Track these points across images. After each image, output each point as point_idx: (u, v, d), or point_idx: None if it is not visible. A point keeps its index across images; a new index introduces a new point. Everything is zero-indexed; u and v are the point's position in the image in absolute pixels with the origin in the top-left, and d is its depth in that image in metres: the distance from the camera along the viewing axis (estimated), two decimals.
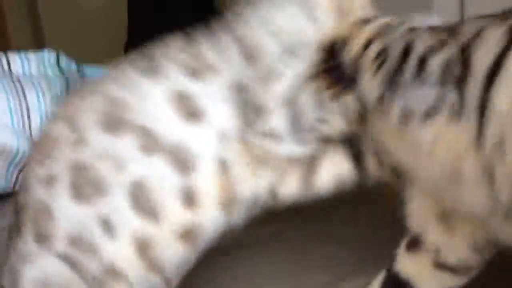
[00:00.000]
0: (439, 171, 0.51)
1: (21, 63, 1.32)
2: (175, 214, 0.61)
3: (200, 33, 0.67)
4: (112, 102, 0.64)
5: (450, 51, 0.51)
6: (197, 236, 0.62)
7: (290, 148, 0.63)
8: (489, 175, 0.47)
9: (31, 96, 1.22)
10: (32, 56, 1.35)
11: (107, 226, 0.61)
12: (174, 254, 0.62)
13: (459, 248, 0.57)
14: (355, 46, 0.59)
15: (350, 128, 0.63)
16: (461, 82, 0.49)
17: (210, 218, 0.63)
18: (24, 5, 3.40)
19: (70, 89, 1.32)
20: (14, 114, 1.19)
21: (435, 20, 0.62)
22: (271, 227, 0.87)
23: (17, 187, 1.08)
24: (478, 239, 0.56)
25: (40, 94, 1.23)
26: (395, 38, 0.58)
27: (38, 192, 0.63)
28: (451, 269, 0.58)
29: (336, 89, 0.61)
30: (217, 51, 0.65)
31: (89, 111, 0.64)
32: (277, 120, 0.63)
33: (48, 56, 1.38)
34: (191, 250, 0.63)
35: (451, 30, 0.54)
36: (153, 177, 0.61)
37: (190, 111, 0.63)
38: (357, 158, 0.65)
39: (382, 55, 0.56)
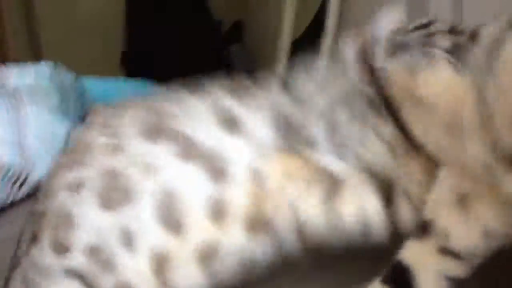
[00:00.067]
0: (442, 125, 0.51)
1: (18, 75, 1.32)
2: (199, 227, 0.59)
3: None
4: (156, 112, 0.63)
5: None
6: (216, 257, 0.60)
7: (328, 159, 0.61)
8: (488, 119, 0.47)
9: (27, 108, 1.21)
10: (28, 68, 1.35)
11: (128, 237, 0.59)
12: (189, 276, 0.60)
13: (470, 233, 0.56)
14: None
15: (388, 158, 0.61)
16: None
17: (234, 238, 0.60)
18: (22, 17, 3.41)
19: (67, 100, 1.31)
20: (8, 127, 1.18)
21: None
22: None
23: (10, 200, 1.07)
24: (491, 224, 0.55)
25: (36, 107, 1.22)
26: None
27: (62, 198, 0.62)
28: (455, 255, 0.57)
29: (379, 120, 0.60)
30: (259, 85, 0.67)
31: (131, 119, 0.64)
32: (316, 129, 0.61)
33: (45, 68, 1.38)
34: (206, 275, 0.60)
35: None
36: (185, 186, 0.60)
37: (230, 121, 0.63)
38: (388, 198, 0.62)
39: None
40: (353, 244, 0.62)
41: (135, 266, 0.58)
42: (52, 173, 0.67)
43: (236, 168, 0.60)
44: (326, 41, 3.23)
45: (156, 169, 0.60)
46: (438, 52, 0.55)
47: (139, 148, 0.61)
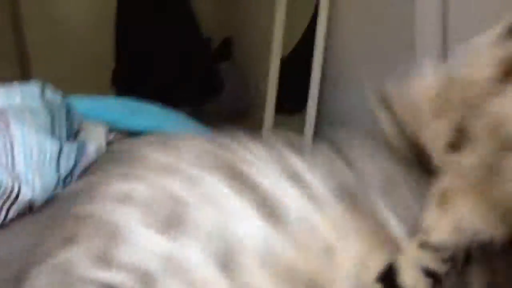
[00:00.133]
0: None
1: (5, 95, 1.31)
2: (250, 272, 0.56)
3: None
4: (218, 144, 0.62)
5: None
6: None
7: (387, 220, 0.60)
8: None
9: (15, 129, 1.20)
10: (16, 88, 1.35)
11: (175, 266, 0.55)
12: None
13: (445, 228, 0.56)
14: None
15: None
16: None
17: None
18: (11, 37, 3.41)
19: (55, 120, 1.31)
20: None
21: None
22: None
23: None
24: (467, 218, 0.55)
25: (25, 127, 1.21)
26: None
27: (109, 208, 0.59)
28: (432, 248, 0.57)
29: None
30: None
31: (193, 147, 0.62)
32: (373, 191, 0.61)
33: (33, 87, 1.37)
34: None
35: None
36: (242, 226, 0.57)
37: (294, 175, 0.61)
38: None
39: None
40: None
41: None
42: (101, 180, 0.65)
43: (294, 219, 0.58)
44: (316, 58, 3.26)
45: (215, 202, 0.58)
46: None
47: (200, 176, 0.59)
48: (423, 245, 0.57)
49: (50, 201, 1.14)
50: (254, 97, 4.17)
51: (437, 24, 2.71)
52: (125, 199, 0.58)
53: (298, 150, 0.64)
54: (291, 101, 3.60)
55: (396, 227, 0.58)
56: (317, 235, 0.58)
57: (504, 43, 0.54)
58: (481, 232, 0.53)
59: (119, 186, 0.60)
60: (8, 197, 1.09)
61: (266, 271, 0.56)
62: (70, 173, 1.24)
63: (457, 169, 0.55)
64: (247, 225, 0.57)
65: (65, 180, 1.22)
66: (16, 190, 1.09)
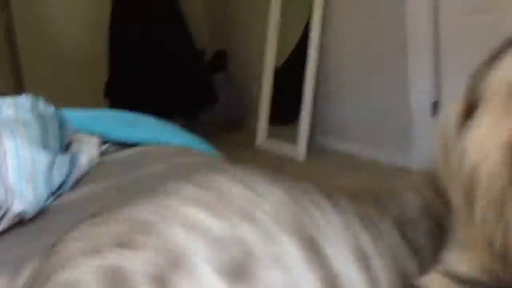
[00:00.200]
0: None
1: None
2: None
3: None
4: (304, 210, 0.61)
5: None
6: None
7: None
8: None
9: (8, 141, 1.20)
10: (9, 101, 1.34)
11: None
12: None
13: (469, 265, 0.57)
14: None
15: None
16: None
17: None
18: (4, 49, 3.41)
19: (47, 132, 1.31)
20: None
21: None
22: None
23: None
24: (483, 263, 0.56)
25: (17, 139, 1.21)
26: None
27: (175, 230, 0.56)
28: (458, 279, 0.57)
29: None
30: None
31: (274, 200, 0.61)
32: None
33: (25, 100, 1.38)
34: None
35: None
36: None
37: (363, 257, 0.62)
38: None
39: None
40: None
41: None
42: (173, 192, 0.62)
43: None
44: (309, 69, 3.28)
45: (286, 267, 0.56)
46: None
47: (276, 234, 0.57)
48: (448, 275, 0.58)
49: (42, 212, 1.14)
50: (248, 107, 4.20)
51: (428, 28, 2.74)
52: (196, 227, 0.56)
53: (367, 221, 0.63)
54: (285, 112, 3.63)
55: None
56: None
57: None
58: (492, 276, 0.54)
59: (191, 211, 0.58)
60: (0, 208, 1.08)
61: None
62: (62, 184, 1.24)
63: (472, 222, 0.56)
64: None
65: (57, 192, 1.22)
66: (8, 202, 1.09)
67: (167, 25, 3.68)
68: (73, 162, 1.30)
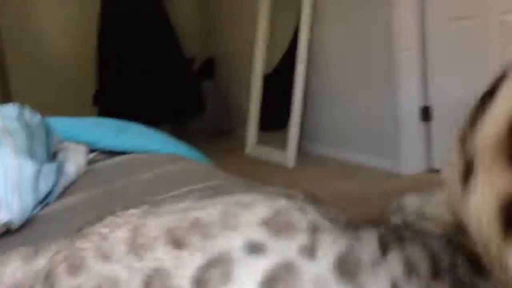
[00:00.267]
0: None
1: None
2: None
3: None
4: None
5: None
6: None
7: None
8: None
9: None
10: None
11: None
12: None
13: None
14: None
15: None
16: None
17: None
18: None
19: (33, 141, 1.30)
20: None
21: None
22: None
23: None
24: None
25: (4, 148, 1.20)
26: None
27: (232, 243, 0.59)
28: None
29: None
30: None
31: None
32: None
33: (12, 109, 1.36)
34: None
35: None
36: None
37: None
38: None
39: None
40: None
41: None
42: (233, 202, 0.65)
43: None
44: (298, 76, 3.29)
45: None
46: None
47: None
48: None
49: (28, 222, 1.13)
50: (237, 114, 4.19)
51: (415, 34, 2.76)
52: (255, 249, 0.58)
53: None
54: (274, 118, 3.63)
55: None
56: None
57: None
58: None
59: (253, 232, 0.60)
60: None
61: None
62: (49, 193, 1.23)
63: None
64: None
65: (44, 201, 1.21)
66: None
67: (156, 33, 3.68)
68: (60, 171, 1.29)
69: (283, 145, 3.31)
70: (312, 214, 0.64)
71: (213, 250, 0.58)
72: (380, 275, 0.61)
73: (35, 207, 1.16)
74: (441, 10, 2.60)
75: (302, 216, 0.63)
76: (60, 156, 1.40)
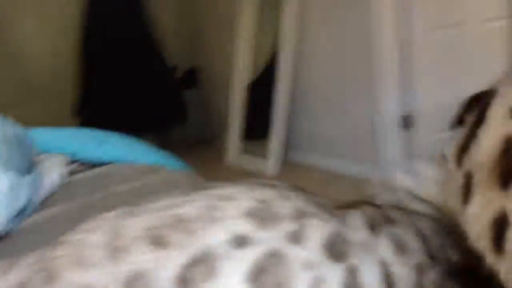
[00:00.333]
0: None
1: None
2: None
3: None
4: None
5: None
6: None
7: None
8: None
9: None
10: None
11: None
12: None
13: None
14: None
15: None
16: None
17: None
18: None
19: (11, 152, 1.28)
20: None
21: None
22: None
23: None
24: None
25: None
26: None
27: (219, 241, 0.58)
28: None
29: None
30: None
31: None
32: None
33: None
34: None
35: None
36: None
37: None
38: None
39: None
40: None
41: None
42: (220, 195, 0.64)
43: None
44: (281, 84, 3.30)
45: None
46: None
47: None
48: None
49: (6, 235, 1.11)
50: (220, 124, 4.18)
51: (396, 42, 2.79)
52: (241, 241, 0.58)
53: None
54: (257, 127, 3.62)
55: None
56: None
57: None
58: None
59: (239, 225, 0.59)
60: None
61: None
62: (28, 205, 1.21)
63: None
64: None
65: (21, 214, 1.18)
66: None
67: (138, 42, 3.67)
68: (38, 183, 1.27)
69: (266, 154, 3.31)
70: (296, 201, 0.64)
71: (196, 247, 0.57)
72: (370, 255, 0.61)
73: (12, 220, 1.14)
74: (423, 19, 2.63)
75: (286, 203, 0.63)
76: (39, 167, 1.38)
